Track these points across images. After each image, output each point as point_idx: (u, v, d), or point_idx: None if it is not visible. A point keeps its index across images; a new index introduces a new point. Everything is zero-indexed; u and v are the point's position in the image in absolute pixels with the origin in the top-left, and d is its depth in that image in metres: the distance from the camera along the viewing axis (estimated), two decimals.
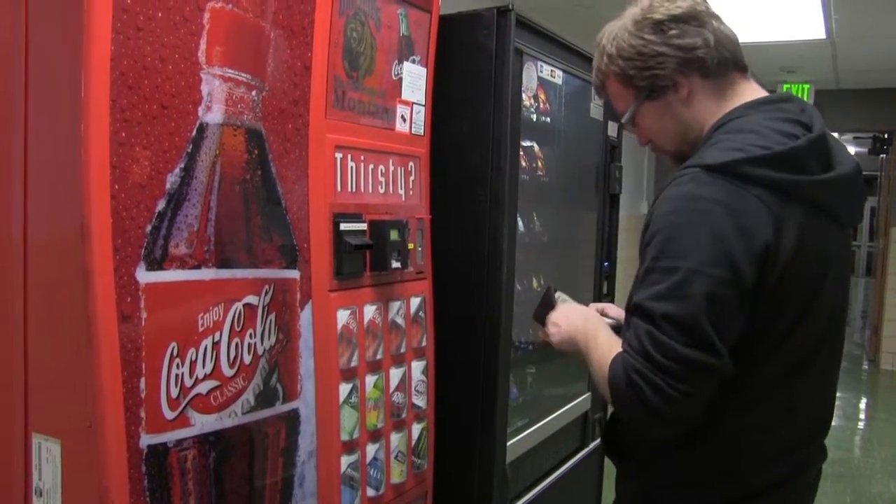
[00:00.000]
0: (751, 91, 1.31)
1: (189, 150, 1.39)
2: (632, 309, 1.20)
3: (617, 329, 1.45)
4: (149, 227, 1.33)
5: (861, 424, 5.91)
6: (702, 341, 1.12)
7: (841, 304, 1.33)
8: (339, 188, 1.74)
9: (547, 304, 1.51)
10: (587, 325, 1.38)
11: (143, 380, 1.32)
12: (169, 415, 1.37)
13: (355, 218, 1.78)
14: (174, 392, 1.37)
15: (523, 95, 2.29)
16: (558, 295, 1.54)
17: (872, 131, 8.22)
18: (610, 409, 1.40)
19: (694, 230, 1.14)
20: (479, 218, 2.15)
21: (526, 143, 2.55)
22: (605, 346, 1.28)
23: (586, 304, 1.57)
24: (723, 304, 1.13)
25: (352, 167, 1.78)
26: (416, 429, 2.03)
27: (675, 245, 1.15)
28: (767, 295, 1.16)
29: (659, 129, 1.34)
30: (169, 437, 1.37)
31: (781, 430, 1.27)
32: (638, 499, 1.37)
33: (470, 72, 2.15)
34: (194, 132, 1.40)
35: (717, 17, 1.30)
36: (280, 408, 1.60)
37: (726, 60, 1.28)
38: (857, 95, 7.39)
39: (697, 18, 1.27)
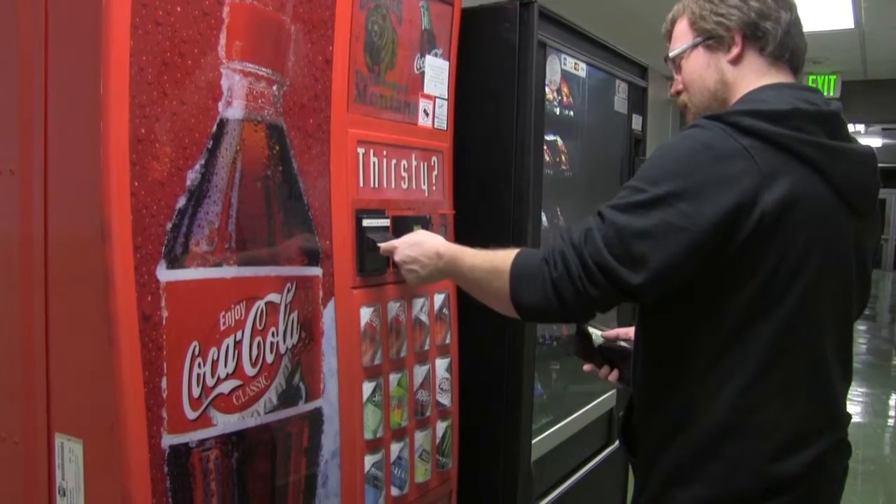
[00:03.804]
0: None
1: (209, 146, 1.37)
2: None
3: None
4: (169, 225, 1.31)
5: (891, 422, 5.79)
6: (631, 259, 1.17)
7: (844, 291, 1.31)
8: (361, 184, 1.72)
9: (581, 337, 1.56)
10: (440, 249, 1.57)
11: (164, 379, 1.30)
12: (191, 415, 1.35)
13: (378, 214, 1.75)
14: (196, 392, 1.36)
15: (546, 89, 2.25)
16: (592, 331, 1.57)
17: None
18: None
19: (674, 163, 1.21)
20: (502, 213, 2.12)
21: (549, 138, 2.52)
22: (481, 252, 1.44)
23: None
24: (675, 237, 1.16)
25: (374, 162, 1.76)
26: (441, 427, 2.00)
27: (652, 172, 1.22)
28: (742, 246, 1.17)
29: (699, 77, 1.38)
30: (191, 437, 1.36)
31: (782, 417, 1.24)
32: (653, 496, 1.33)
33: (493, 65, 2.11)
34: (214, 128, 1.38)
35: (798, 18, 1.36)
36: (303, 407, 1.58)
37: (786, 48, 1.33)
38: (886, 86, 7.27)
39: (782, 1, 1.34)
